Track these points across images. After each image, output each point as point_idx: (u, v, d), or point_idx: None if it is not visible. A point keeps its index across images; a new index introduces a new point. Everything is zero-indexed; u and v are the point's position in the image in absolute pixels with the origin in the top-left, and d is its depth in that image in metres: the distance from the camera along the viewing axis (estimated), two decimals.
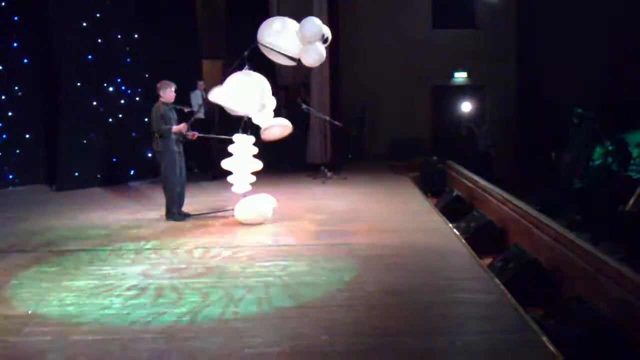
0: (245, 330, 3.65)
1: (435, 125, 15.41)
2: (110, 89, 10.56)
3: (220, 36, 13.13)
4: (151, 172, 10.45)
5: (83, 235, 6.50)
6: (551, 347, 3.27)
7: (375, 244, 5.77)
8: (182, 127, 6.92)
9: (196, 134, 7.18)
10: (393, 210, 7.61)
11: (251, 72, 6.55)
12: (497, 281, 4.52)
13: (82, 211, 7.94)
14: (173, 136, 6.92)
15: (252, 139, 6.89)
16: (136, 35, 10.93)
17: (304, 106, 10.71)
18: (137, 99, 10.79)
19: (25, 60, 9.80)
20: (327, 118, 10.92)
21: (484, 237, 7.18)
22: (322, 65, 7.64)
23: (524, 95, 14.64)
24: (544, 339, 3.39)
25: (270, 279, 4.69)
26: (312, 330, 3.62)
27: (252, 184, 7.06)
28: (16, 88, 9.69)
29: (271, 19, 6.86)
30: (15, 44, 9.65)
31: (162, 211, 7.21)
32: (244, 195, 6.96)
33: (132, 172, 10.84)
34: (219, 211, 7.45)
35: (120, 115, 10.68)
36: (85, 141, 10.08)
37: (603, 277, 4.60)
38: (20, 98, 9.75)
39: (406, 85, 14.63)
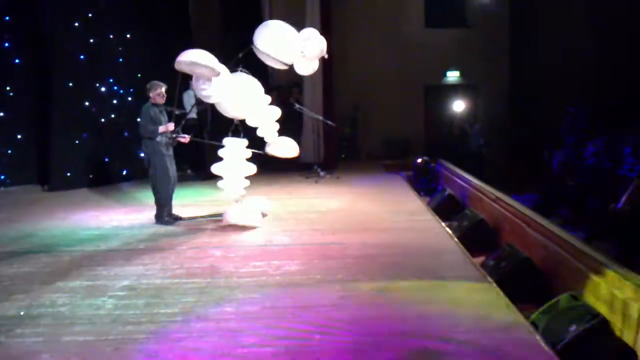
0: (239, 330, 3.64)
1: (428, 125, 15.45)
2: (103, 89, 10.55)
3: (214, 36, 13.09)
4: (144, 172, 10.38)
5: (75, 235, 6.48)
6: (545, 346, 3.28)
7: (368, 242, 5.77)
8: (169, 126, 6.66)
9: (188, 137, 6.88)
10: (386, 209, 7.62)
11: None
12: (490, 279, 4.54)
13: (74, 211, 7.91)
14: (162, 139, 6.66)
15: (244, 141, 6.74)
16: (128, 35, 10.92)
17: (297, 106, 10.70)
18: (130, 99, 10.77)
19: (17, 60, 9.73)
20: (320, 117, 10.92)
21: (476, 236, 7.22)
22: None
23: (516, 94, 14.70)
24: (538, 337, 3.40)
25: (264, 278, 4.69)
26: (306, 329, 3.62)
27: (245, 188, 6.92)
28: (8, 88, 9.62)
29: (268, 22, 6.65)
30: (6, 44, 9.58)
31: (154, 212, 7.14)
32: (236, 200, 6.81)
33: (124, 172, 10.83)
34: (210, 217, 7.23)
35: (113, 116, 10.68)
36: (77, 141, 10.06)
37: (596, 276, 4.63)
38: (12, 98, 9.66)
39: (399, 84, 14.67)
